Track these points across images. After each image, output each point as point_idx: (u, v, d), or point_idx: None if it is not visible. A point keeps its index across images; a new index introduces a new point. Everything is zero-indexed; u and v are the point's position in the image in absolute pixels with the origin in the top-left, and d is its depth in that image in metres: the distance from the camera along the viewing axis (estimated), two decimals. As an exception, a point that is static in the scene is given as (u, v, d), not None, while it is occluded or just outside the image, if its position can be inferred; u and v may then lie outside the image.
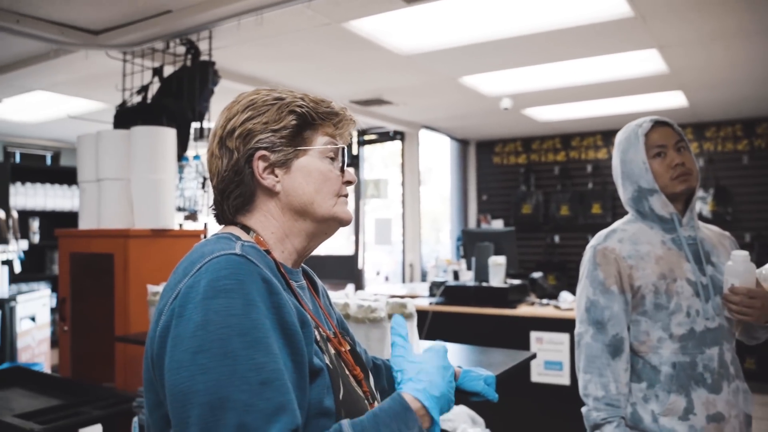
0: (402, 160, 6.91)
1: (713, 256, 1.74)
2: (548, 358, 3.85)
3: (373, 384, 1.19)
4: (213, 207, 1.14)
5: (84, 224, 3.14)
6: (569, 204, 6.87)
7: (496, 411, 3.94)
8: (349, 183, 1.17)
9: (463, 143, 7.57)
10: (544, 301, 4.27)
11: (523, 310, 4.06)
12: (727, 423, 1.62)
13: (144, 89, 3.55)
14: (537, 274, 4.58)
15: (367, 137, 7.03)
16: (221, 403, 0.83)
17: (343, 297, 2.16)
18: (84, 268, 3.09)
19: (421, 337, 4.20)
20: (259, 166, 1.06)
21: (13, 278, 5.66)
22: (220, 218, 1.14)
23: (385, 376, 1.44)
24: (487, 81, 4.80)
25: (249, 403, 0.83)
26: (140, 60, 3.68)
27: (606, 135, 6.93)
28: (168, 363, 0.89)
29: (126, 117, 3.45)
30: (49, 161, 7.30)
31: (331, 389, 0.99)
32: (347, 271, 6.98)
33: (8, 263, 5.48)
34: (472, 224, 7.58)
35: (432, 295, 4.57)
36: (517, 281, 4.36)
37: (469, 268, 4.57)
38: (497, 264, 4.22)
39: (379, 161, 7.75)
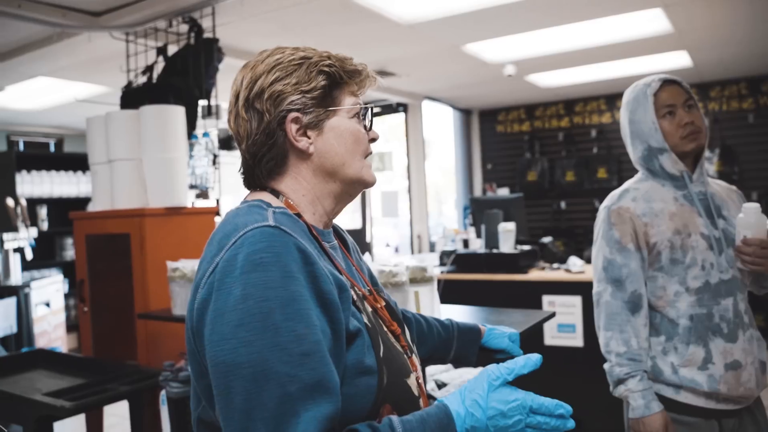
0: (406, 132, 6.90)
1: (724, 210, 1.77)
2: (561, 321, 3.88)
3: (409, 337, 1.21)
4: (242, 171, 1.14)
5: (97, 206, 3.16)
6: (574, 169, 6.86)
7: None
8: (373, 140, 1.18)
9: (466, 113, 7.55)
10: (555, 265, 4.30)
11: (535, 274, 4.09)
12: (744, 370, 1.66)
13: (149, 69, 3.55)
14: (546, 239, 4.59)
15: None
16: (264, 375, 0.85)
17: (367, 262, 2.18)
18: (100, 249, 3.11)
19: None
20: (292, 128, 1.06)
21: (26, 265, 5.70)
22: (250, 183, 1.15)
23: (415, 329, 1.47)
24: (491, 48, 4.77)
25: (291, 374, 0.85)
26: (143, 40, 3.67)
27: (610, 99, 6.90)
28: (209, 336, 0.90)
29: (133, 97, 3.45)
30: (52, 148, 7.31)
31: (371, 347, 1.00)
32: (356, 244, 7.01)
33: (20, 251, 5.52)
34: (477, 194, 7.59)
35: (443, 264, 4.60)
36: (527, 247, 4.38)
37: (478, 236, 4.59)
38: (507, 230, 4.23)
39: (383, 134, 7.73)
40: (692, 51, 5.13)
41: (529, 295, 4.02)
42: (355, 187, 1.15)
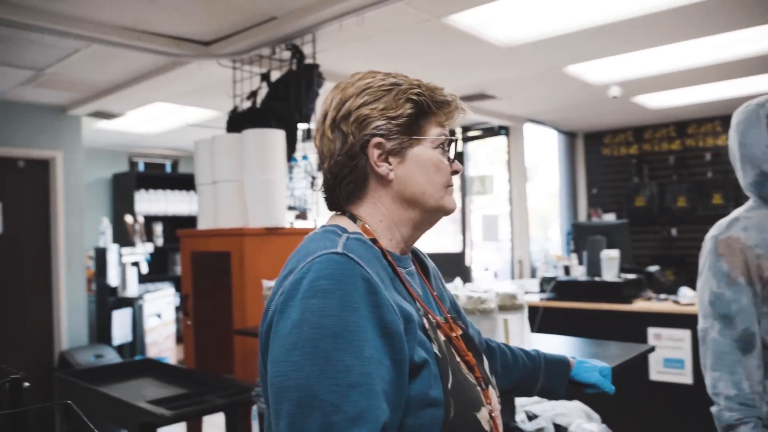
0: (507, 155, 6.81)
1: None
2: (668, 356, 3.66)
3: (487, 368, 1.18)
4: (324, 191, 1.16)
5: (202, 225, 3.31)
6: (687, 195, 6.50)
7: (612, 408, 3.80)
8: (456, 173, 1.17)
9: (570, 135, 7.35)
10: (662, 296, 4.07)
11: (640, 305, 3.89)
12: None
13: (253, 94, 3.70)
14: (653, 268, 4.37)
15: (471, 133, 6.97)
16: (309, 401, 0.85)
17: (452, 288, 2.15)
18: (204, 266, 3.26)
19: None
20: (374, 153, 1.07)
21: (141, 278, 6.07)
22: (331, 204, 1.16)
23: (499, 360, 1.42)
24: (594, 69, 4.63)
25: (336, 404, 0.85)
26: (249, 67, 3.84)
27: (726, 120, 6.50)
28: (269, 357, 0.93)
29: (238, 122, 3.61)
30: (168, 169, 7.76)
31: (439, 379, 0.98)
32: (455, 268, 6.96)
33: (136, 264, 5.88)
34: (582, 219, 7.34)
35: (542, 290, 4.47)
36: (631, 276, 4.18)
37: (580, 262, 4.44)
38: (610, 258, 4.06)
39: (484, 157, 7.67)
40: (820, 68, 4.76)
41: (633, 327, 3.82)
42: (434, 215, 1.14)
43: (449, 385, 0.99)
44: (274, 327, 0.94)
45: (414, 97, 1.08)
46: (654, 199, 6.72)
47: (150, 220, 6.94)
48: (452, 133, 1.18)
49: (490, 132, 6.82)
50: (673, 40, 3.99)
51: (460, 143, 6.73)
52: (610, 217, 7.00)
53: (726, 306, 1.59)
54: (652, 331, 3.74)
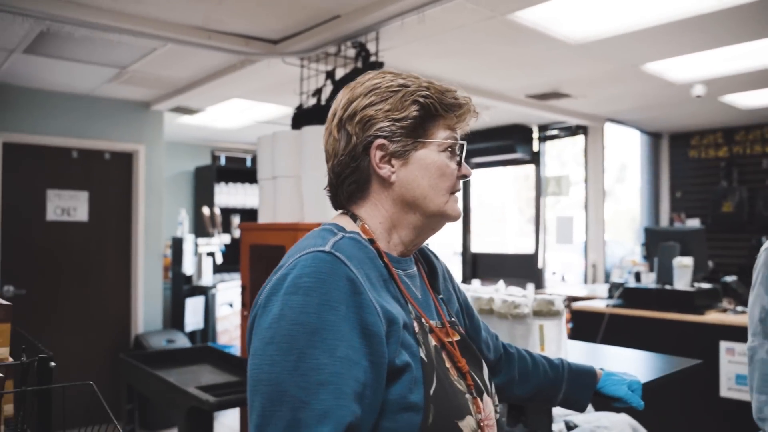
0: (585, 156, 6.60)
1: None
2: (740, 372, 3.45)
3: (486, 376, 1.15)
4: (328, 189, 1.16)
5: (263, 218, 3.40)
6: (780, 201, 6.09)
7: (673, 424, 3.62)
8: (464, 177, 1.14)
9: (654, 136, 7.04)
10: (739, 308, 3.83)
11: (712, 317, 3.68)
12: None
13: (318, 92, 3.76)
14: (730, 278, 4.12)
15: (547, 132, 6.80)
16: (279, 396, 0.86)
17: (491, 291, 2.12)
18: (262, 258, 3.34)
19: (596, 341, 3.98)
20: (377, 155, 1.07)
21: (216, 268, 6.29)
22: (335, 203, 1.17)
23: (516, 366, 1.39)
24: (675, 66, 4.41)
25: (304, 400, 0.85)
26: (315, 65, 3.90)
27: (828, 122, 6.05)
28: (250, 350, 0.95)
29: (302, 118, 3.68)
30: (249, 163, 8.00)
31: (422, 383, 0.97)
32: (527, 269, 6.82)
33: (212, 255, 6.10)
34: (664, 223, 7.02)
35: (610, 297, 4.32)
36: (706, 285, 3.96)
37: (651, 269, 4.25)
38: (683, 265, 3.87)
39: (561, 157, 7.47)
40: None
41: (704, 339, 3.63)
42: (436, 221, 1.13)
43: (432, 391, 0.98)
44: (256, 321, 0.96)
45: (421, 99, 1.07)
46: (743, 205, 6.33)
47: (228, 212, 7.18)
48: (465, 138, 1.16)
49: (567, 131, 6.63)
50: (760, 36, 3.74)
51: (535, 146, 6.60)
52: (694, 223, 6.66)
53: None
54: (724, 345, 3.53)
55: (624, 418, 2.33)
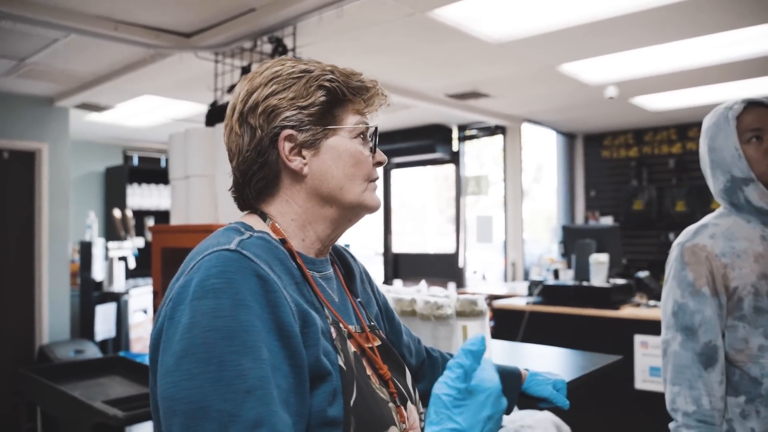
0: (503, 156, 6.70)
1: None
2: (654, 364, 3.55)
3: (410, 382, 1.09)
4: (233, 190, 1.07)
5: (175, 220, 3.23)
6: (686, 199, 6.38)
7: (591, 419, 3.70)
8: (379, 164, 1.08)
9: (569, 137, 7.24)
10: (652, 302, 3.96)
11: (627, 311, 3.78)
12: None
13: (233, 88, 3.62)
14: (643, 274, 4.26)
15: (467, 132, 6.87)
16: (204, 412, 0.76)
17: (413, 292, 2.07)
18: (174, 262, 3.18)
19: (517, 339, 4.02)
20: (286, 147, 0.98)
21: (129, 273, 6.00)
22: (242, 204, 1.08)
23: (440, 371, 1.34)
24: (589, 68, 4.52)
25: (232, 413, 0.76)
26: (230, 60, 3.76)
27: (728, 124, 6.36)
28: (159, 369, 0.83)
29: (217, 115, 3.53)
30: (163, 163, 7.70)
31: (341, 394, 0.90)
32: (448, 269, 6.87)
33: (124, 259, 5.82)
34: (579, 221, 7.23)
35: (530, 294, 4.37)
36: (621, 281, 4.07)
37: (569, 266, 4.33)
38: (599, 262, 3.96)
39: (480, 157, 7.58)
40: (822, 71, 4.63)
41: (620, 334, 3.72)
42: (355, 212, 1.05)
43: (352, 402, 0.90)
44: (164, 335, 0.85)
45: (326, 84, 0.99)
46: (652, 203, 6.60)
47: (142, 214, 6.87)
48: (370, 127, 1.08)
49: (486, 131, 6.72)
50: (671, 39, 3.87)
51: (455, 146, 6.66)
52: (607, 220, 6.89)
53: (689, 317, 1.51)
54: (638, 339, 3.63)
55: (547, 415, 2.33)
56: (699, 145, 1.67)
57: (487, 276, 6.97)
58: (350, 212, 1.04)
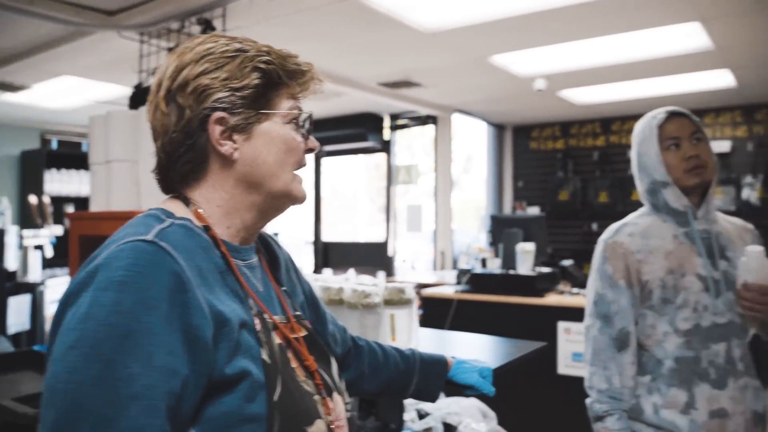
0: (435, 145, 6.75)
1: (729, 250, 1.69)
2: (576, 350, 3.66)
3: (336, 372, 1.07)
4: (156, 172, 1.02)
5: (95, 207, 3.10)
6: (608, 191, 6.60)
7: (516, 404, 3.78)
8: (311, 150, 1.05)
9: (499, 128, 7.36)
10: (575, 290, 4.08)
11: (551, 299, 3.88)
12: (730, 419, 1.58)
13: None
14: (567, 262, 4.38)
15: (398, 122, 6.88)
16: (78, 412, 0.72)
17: (341, 281, 2.05)
18: (93, 251, 3.05)
19: (445, 327, 4.06)
20: (216, 130, 0.94)
21: (46, 263, 5.73)
22: (165, 186, 1.03)
23: (367, 360, 1.33)
24: (519, 60, 4.59)
25: (109, 417, 0.72)
26: (156, 41, 3.62)
27: (649, 118, 6.60)
28: (50, 354, 0.79)
29: (141, 98, 3.39)
30: (85, 148, 7.39)
31: (264, 389, 0.87)
32: (378, 258, 6.88)
33: (40, 248, 5.55)
34: (507, 211, 7.37)
35: (458, 283, 4.43)
36: (546, 269, 4.18)
37: (496, 255, 4.41)
38: (525, 251, 4.04)
39: (412, 147, 7.62)
40: (735, 70, 4.86)
41: (544, 321, 3.81)
42: (281, 201, 1.02)
43: (276, 397, 0.87)
44: (62, 321, 0.80)
45: (262, 66, 0.95)
46: (577, 194, 6.80)
47: (61, 201, 6.57)
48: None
49: (418, 121, 6.75)
50: (596, 34, 3.98)
51: (386, 135, 6.66)
52: (534, 210, 7.05)
53: (606, 306, 1.67)
54: (562, 325, 3.74)
55: (473, 402, 2.36)
56: (630, 143, 1.83)
57: (416, 265, 7.03)
58: (277, 201, 1.01)
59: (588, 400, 1.69)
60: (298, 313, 1.08)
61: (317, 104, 6.02)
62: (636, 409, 1.65)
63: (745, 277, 1.59)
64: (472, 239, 6.96)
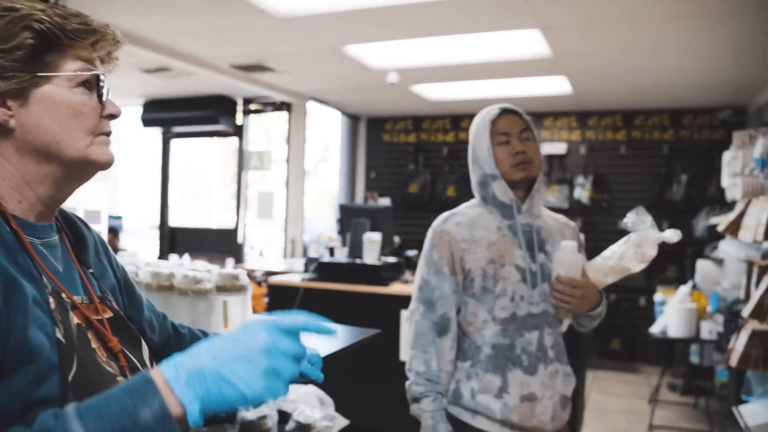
0: (288, 132, 6.68)
1: (548, 244, 1.79)
2: (417, 338, 3.79)
3: (147, 355, 1.02)
4: None
5: None
6: (456, 185, 6.88)
7: (357, 390, 3.85)
8: (111, 117, 0.97)
9: (353, 119, 7.42)
10: (418, 279, 4.21)
11: (396, 288, 3.98)
12: (539, 402, 1.69)
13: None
14: (412, 253, 4.51)
15: (252, 106, 6.73)
16: None
17: (172, 266, 1.96)
18: None
19: (291, 315, 4.03)
20: None
21: None
22: None
23: (188, 346, 1.27)
24: (373, 52, 4.65)
25: None
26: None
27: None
28: None
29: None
30: None
31: (57, 369, 0.80)
32: (228, 245, 6.71)
33: None
34: (360, 201, 7.47)
35: (306, 271, 4.42)
36: (392, 259, 4.27)
37: (344, 244, 4.44)
38: (372, 241, 4.11)
39: (269, 132, 7.49)
40: (571, 77, 5.23)
41: (389, 309, 3.90)
42: (82, 169, 0.94)
43: (70, 377, 0.81)
44: None
45: (35, 25, 0.87)
46: (426, 187, 7.02)
47: None
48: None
49: (272, 107, 6.64)
50: (445, 32, 4.10)
51: (239, 119, 6.48)
52: (385, 201, 7.20)
53: (430, 292, 1.73)
54: (405, 313, 3.84)
55: (311, 389, 2.36)
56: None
57: (266, 252, 6.94)
58: (76, 170, 0.94)
59: (407, 383, 1.74)
60: (104, 294, 1.01)
61: (165, 83, 5.74)
62: (456, 394, 1.72)
63: (558, 270, 1.71)
64: (326, 228, 6.98)
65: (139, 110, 6.78)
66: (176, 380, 0.73)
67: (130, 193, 8.64)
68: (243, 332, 0.77)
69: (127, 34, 4.14)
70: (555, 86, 5.57)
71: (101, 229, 4.89)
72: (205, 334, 1.34)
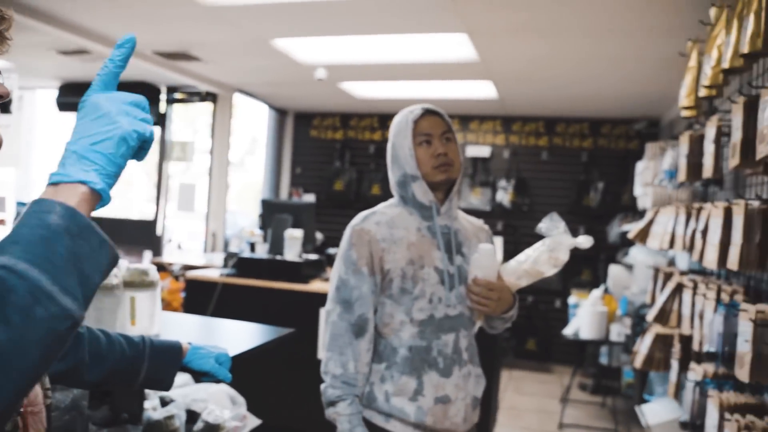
0: (213, 123, 6.52)
1: (465, 247, 1.80)
2: (335, 336, 3.77)
3: None
4: None
5: None
6: (381, 184, 6.89)
7: (273, 389, 3.81)
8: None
9: (281, 113, 7.32)
10: (339, 277, 4.19)
11: (316, 285, 3.95)
12: (453, 404, 1.69)
13: None
14: (334, 250, 4.49)
15: (176, 95, 6.54)
16: None
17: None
18: None
19: (208, 313, 3.94)
20: None
21: None
22: None
23: (87, 348, 1.22)
24: (301, 47, 4.59)
25: None
26: None
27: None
28: None
29: None
30: None
31: None
32: (146, 237, 6.49)
33: None
34: (284, 197, 7.38)
35: (225, 266, 4.33)
36: (313, 256, 4.24)
37: (265, 240, 4.38)
38: (293, 237, 4.06)
39: (195, 123, 7.30)
40: (497, 83, 5.33)
41: (308, 307, 3.87)
42: None
43: None
44: None
45: None
46: (352, 185, 7.01)
47: None
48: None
49: (197, 97, 6.47)
50: (373, 31, 4.10)
51: (162, 108, 6.25)
52: (310, 198, 7.14)
53: (348, 292, 1.69)
54: (323, 311, 3.81)
55: (222, 388, 2.30)
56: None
57: (186, 246, 6.75)
58: None
59: (323, 386, 1.70)
60: None
61: (83, 66, 5.49)
62: (369, 397, 1.69)
63: (475, 273, 1.71)
64: (250, 223, 6.86)
65: (55, 93, 6.47)
66: (62, 177, 0.76)
67: (44, 180, 8.21)
68: (84, 109, 0.81)
69: (41, 12, 3.94)
70: (481, 90, 5.67)
71: (7, 217, 4.63)
72: (104, 333, 1.29)
